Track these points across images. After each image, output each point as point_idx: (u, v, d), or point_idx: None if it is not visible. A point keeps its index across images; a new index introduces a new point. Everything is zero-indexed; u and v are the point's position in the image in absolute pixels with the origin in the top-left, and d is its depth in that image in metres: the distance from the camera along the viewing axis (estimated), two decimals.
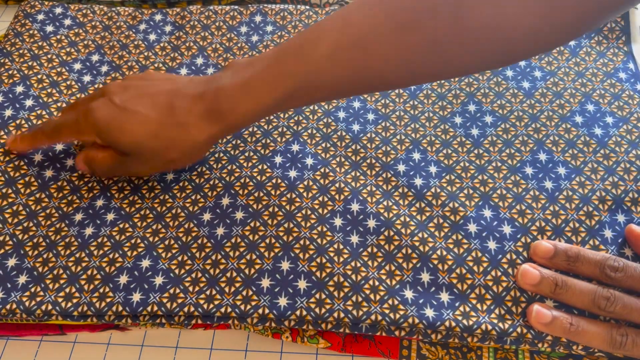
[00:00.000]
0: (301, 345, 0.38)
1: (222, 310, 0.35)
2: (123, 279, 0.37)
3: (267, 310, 0.35)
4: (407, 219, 0.39)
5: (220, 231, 0.39)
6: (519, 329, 0.34)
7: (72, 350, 0.38)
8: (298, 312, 0.35)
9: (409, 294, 0.36)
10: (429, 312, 0.35)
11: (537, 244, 0.36)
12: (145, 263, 0.37)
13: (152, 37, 0.50)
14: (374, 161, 0.42)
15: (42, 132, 0.41)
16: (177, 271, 0.37)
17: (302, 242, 0.38)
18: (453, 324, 0.34)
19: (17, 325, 0.38)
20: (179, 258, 0.38)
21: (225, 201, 0.40)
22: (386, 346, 0.37)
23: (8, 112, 0.45)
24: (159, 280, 0.37)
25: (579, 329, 0.33)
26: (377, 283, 0.36)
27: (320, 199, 0.40)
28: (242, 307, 0.35)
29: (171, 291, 0.36)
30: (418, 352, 0.36)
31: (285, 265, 0.37)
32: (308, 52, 0.33)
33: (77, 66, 0.48)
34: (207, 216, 0.39)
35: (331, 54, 0.33)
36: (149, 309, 0.35)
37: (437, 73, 0.34)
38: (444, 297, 0.35)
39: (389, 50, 0.32)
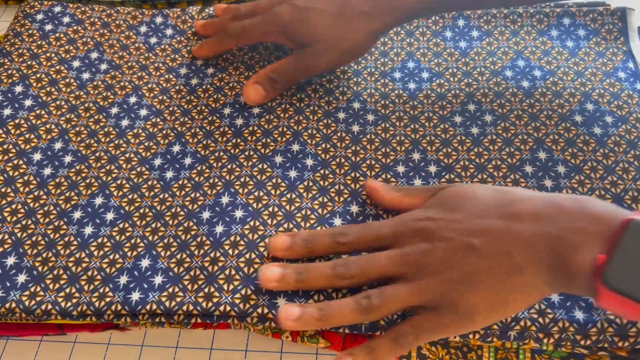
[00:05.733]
0: (301, 345, 0.38)
1: (221, 308, 0.35)
2: (123, 279, 0.37)
3: (266, 310, 0.35)
4: None
5: (219, 229, 0.39)
6: (522, 322, 0.34)
7: (72, 350, 0.38)
8: None
9: None
10: None
11: (274, 239, 0.36)
12: (145, 263, 0.37)
13: (153, 40, 0.50)
14: (373, 162, 0.42)
15: (228, 35, 0.46)
16: (175, 270, 0.37)
17: None
18: None
19: (17, 325, 0.38)
20: (178, 256, 0.38)
21: (225, 200, 0.40)
22: None
23: (7, 112, 0.45)
24: (158, 279, 0.37)
25: (329, 311, 0.33)
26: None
27: (320, 199, 0.40)
28: (241, 305, 0.35)
29: (170, 290, 0.36)
30: (418, 352, 0.36)
31: None
32: None
33: (76, 64, 0.48)
34: (206, 214, 0.39)
35: None
36: (147, 307, 0.35)
37: None
38: None
39: None
